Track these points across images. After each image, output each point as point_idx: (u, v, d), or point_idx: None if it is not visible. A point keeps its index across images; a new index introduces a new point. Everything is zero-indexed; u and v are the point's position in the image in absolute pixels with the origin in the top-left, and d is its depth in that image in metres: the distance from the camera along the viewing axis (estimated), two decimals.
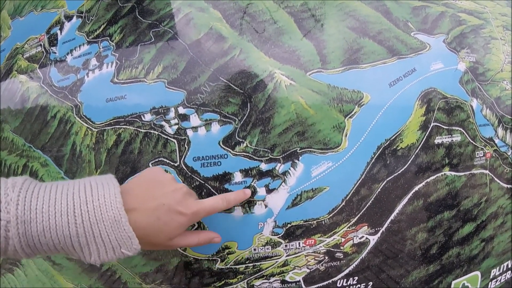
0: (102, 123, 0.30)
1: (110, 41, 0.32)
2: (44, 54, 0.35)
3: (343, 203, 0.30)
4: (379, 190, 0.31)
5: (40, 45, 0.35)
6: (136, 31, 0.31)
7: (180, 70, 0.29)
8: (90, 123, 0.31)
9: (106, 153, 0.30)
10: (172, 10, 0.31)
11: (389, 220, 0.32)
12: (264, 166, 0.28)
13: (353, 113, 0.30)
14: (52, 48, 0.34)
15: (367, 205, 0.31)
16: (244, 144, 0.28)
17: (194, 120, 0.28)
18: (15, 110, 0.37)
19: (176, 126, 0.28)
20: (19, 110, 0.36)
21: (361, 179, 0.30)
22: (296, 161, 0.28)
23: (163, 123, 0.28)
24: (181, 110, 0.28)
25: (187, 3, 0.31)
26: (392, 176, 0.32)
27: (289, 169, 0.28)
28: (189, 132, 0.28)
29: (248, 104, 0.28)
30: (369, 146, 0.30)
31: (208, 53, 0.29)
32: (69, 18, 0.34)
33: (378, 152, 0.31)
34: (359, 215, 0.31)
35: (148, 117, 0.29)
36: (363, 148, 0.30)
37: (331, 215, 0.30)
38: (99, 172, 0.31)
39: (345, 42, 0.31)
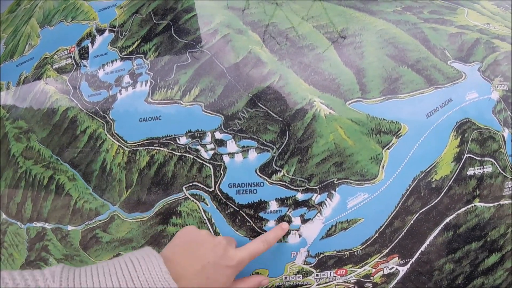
0: (135, 142, 0.30)
1: (144, 59, 0.31)
2: (74, 66, 0.34)
3: (377, 235, 0.30)
4: (412, 222, 0.31)
5: (70, 57, 0.35)
6: (172, 51, 0.30)
7: (217, 94, 0.28)
8: (122, 141, 0.30)
9: (138, 173, 0.30)
10: (210, 31, 0.30)
11: (419, 252, 0.32)
12: (300, 196, 0.27)
13: (390, 144, 0.29)
14: (83, 61, 0.34)
15: (400, 237, 0.31)
16: (281, 173, 0.27)
17: (231, 146, 0.27)
18: (42, 120, 0.36)
19: (212, 151, 0.28)
20: (47, 121, 0.36)
21: (395, 211, 0.30)
22: (333, 192, 0.28)
23: (199, 147, 0.28)
24: (218, 135, 0.28)
25: (225, 24, 0.30)
26: (425, 208, 0.31)
27: (325, 199, 0.28)
28: (226, 158, 0.28)
29: (287, 133, 0.27)
30: (404, 178, 0.30)
31: (247, 77, 0.28)
32: (101, 31, 0.34)
33: (413, 184, 0.30)
34: (391, 247, 0.30)
35: (183, 140, 0.28)
36: (399, 180, 0.30)
37: (364, 246, 0.29)
38: (130, 192, 0.31)
39: (384, 71, 0.31)
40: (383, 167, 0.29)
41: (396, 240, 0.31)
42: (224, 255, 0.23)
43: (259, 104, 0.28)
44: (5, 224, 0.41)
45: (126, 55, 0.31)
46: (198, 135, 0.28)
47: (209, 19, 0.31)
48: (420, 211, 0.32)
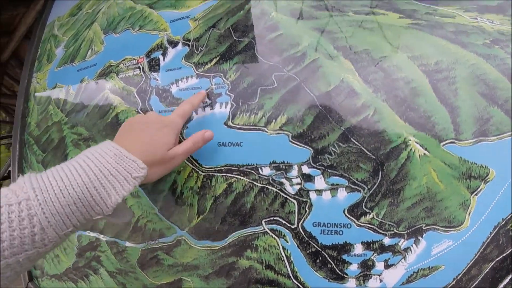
0: (212, 167, 0.26)
1: (224, 78, 0.27)
2: (143, 78, 0.30)
3: (453, 282, 0.27)
4: (487, 270, 0.28)
5: (139, 67, 0.30)
6: (256, 72, 0.26)
7: (307, 124, 0.25)
8: (197, 164, 0.27)
9: (212, 200, 0.26)
10: (298, 54, 0.26)
11: None
12: (387, 241, 0.24)
13: (479, 190, 0.26)
14: (153, 73, 0.29)
15: (474, 285, 0.28)
16: (371, 216, 0.24)
17: (319, 182, 0.24)
18: (105, 130, 0.32)
19: (298, 186, 0.24)
20: (110, 132, 0.31)
21: (474, 259, 0.27)
22: (420, 238, 0.25)
23: (284, 180, 0.24)
24: (306, 170, 0.24)
25: (314, 47, 0.27)
26: (501, 256, 0.29)
27: (411, 245, 0.25)
28: (312, 195, 0.24)
29: (380, 172, 0.24)
30: (487, 225, 0.27)
31: (339, 109, 0.25)
32: (173, 44, 0.29)
33: (494, 232, 0.27)
34: None
35: (266, 171, 0.25)
36: (482, 227, 0.26)
37: None
38: (201, 219, 0.28)
39: (476, 110, 0.27)
40: (469, 213, 0.26)
41: None
42: (156, 120, 0.25)
43: (351, 139, 0.24)
44: None
45: (203, 72, 0.27)
46: (284, 167, 0.25)
47: (296, 40, 0.27)
48: (496, 259, 0.29)
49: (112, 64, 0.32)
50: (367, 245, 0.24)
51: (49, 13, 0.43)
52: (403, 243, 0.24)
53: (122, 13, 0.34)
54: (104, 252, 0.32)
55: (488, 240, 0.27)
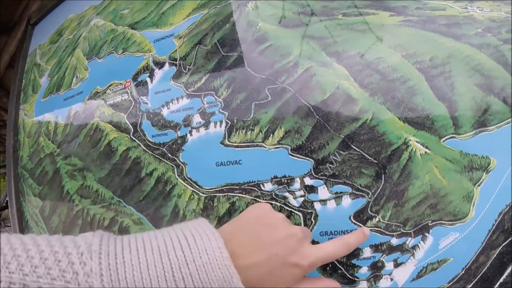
0: (212, 188, 0.26)
1: (216, 96, 0.27)
2: (133, 103, 0.29)
3: (463, 272, 0.27)
4: (495, 255, 0.29)
5: (127, 92, 0.29)
6: (248, 87, 0.26)
7: (305, 136, 0.24)
8: (197, 186, 0.26)
9: (217, 221, 0.26)
10: (289, 64, 0.26)
11: (498, 283, 0.30)
12: (395, 241, 0.24)
13: (481, 180, 0.26)
14: (142, 97, 0.28)
15: (483, 271, 0.29)
16: (377, 219, 0.24)
17: (323, 192, 0.24)
18: (99, 159, 0.31)
19: (302, 199, 0.24)
20: (104, 161, 0.31)
21: (481, 247, 0.27)
22: (427, 234, 0.25)
23: (287, 194, 0.24)
24: (308, 181, 0.24)
25: (306, 56, 0.26)
26: (508, 240, 0.29)
27: (419, 242, 0.25)
28: (317, 205, 0.24)
29: (383, 176, 0.24)
30: (491, 213, 0.27)
31: (336, 117, 0.24)
32: (159, 65, 0.28)
33: (499, 219, 0.28)
34: (474, 281, 0.28)
35: (268, 186, 0.25)
36: (486, 215, 0.27)
37: (450, 284, 0.27)
38: None
39: (474, 102, 0.27)
40: (474, 205, 0.27)
41: (479, 275, 0.29)
42: (297, 251, 0.18)
43: (352, 146, 0.24)
44: None
45: (193, 92, 0.27)
46: (286, 181, 0.24)
47: (286, 50, 0.26)
48: (503, 244, 0.30)
49: (99, 91, 0.31)
50: (376, 248, 0.24)
51: (30, 41, 0.41)
52: (410, 241, 0.25)
53: (104, 36, 0.32)
54: None
55: (494, 227, 0.27)
